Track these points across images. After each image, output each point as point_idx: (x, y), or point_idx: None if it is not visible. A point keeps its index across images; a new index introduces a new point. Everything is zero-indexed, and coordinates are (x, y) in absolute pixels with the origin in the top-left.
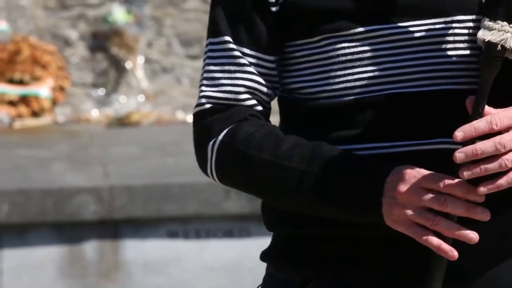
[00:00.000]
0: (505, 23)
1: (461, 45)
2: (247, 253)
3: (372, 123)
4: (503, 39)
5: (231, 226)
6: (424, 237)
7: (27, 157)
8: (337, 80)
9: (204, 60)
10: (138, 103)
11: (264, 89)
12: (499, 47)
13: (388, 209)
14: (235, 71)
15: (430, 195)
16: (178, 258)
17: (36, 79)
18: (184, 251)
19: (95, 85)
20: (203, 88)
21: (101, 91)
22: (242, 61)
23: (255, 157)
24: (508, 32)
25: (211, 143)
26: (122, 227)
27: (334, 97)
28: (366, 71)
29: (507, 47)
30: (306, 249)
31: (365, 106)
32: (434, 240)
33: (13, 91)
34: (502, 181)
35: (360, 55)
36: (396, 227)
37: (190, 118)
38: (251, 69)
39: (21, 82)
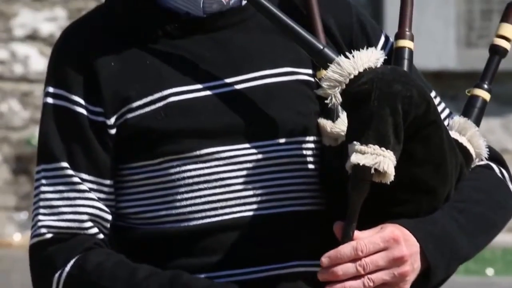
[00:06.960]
0: (376, 146)
1: (304, 166)
2: None
3: (223, 249)
4: (377, 162)
5: None
6: None
7: None
8: (183, 203)
9: (38, 187)
10: None
11: (106, 216)
12: (372, 171)
13: None
14: (75, 198)
15: None
16: None
17: None
18: None
19: (18, 209)
20: (41, 217)
21: (24, 215)
22: (82, 187)
23: None
24: (380, 155)
25: (56, 275)
26: None
27: (180, 221)
28: (214, 194)
29: (381, 170)
30: None
31: (215, 230)
32: None
33: None
34: None
35: (207, 177)
36: None
37: None
38: (92, 195)
39: None
